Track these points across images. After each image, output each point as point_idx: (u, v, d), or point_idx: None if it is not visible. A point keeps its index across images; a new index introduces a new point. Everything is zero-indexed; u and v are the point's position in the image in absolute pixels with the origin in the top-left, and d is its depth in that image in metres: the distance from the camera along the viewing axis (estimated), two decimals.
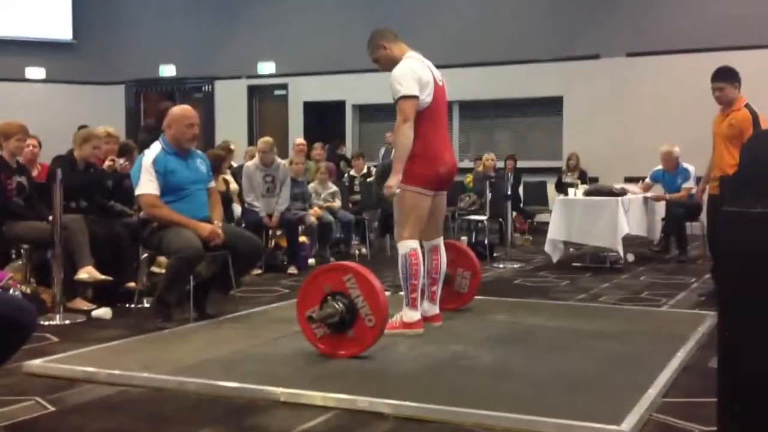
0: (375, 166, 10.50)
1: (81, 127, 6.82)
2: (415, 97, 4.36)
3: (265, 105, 15.05)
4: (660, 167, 8.89)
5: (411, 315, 4.46)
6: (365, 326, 3.89)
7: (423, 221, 4.53)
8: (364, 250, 8.88)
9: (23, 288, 5.35)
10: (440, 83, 4.58)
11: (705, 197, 6.27)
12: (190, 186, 4.99)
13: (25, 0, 14.87)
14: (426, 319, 4.55)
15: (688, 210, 8.36)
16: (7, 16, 14.65)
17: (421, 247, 4.55)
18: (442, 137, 4.63)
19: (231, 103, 14.82)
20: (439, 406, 3.09)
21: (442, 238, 4.77)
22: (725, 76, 5.76)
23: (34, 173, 6.09)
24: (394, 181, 4.37)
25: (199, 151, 5.31)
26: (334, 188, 8.84)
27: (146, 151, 5.03)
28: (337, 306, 3.89)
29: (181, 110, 5.10)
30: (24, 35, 14.72)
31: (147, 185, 4.86)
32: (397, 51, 4.58)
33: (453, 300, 5.23)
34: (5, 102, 13.16)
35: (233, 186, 7.94)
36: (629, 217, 7.64)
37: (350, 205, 9.37)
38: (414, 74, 4.39)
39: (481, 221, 9.05)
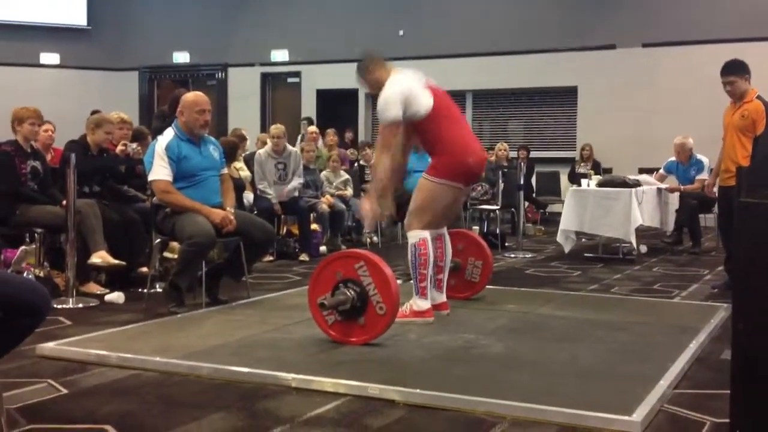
0: None
1: (94, 112, 6.85)
2: (397, 121, 4.36)
3: (278, 92, 15.06)
4: (674, 158, 8.85)
5: (421, 304, 4.45)
6: (376, 314, 3.89)
7: (439, 215, 4.54)
8: (375, 239, 8.87)
9: (36, 272, 5.38)
10: (436, 86, 4.56)
11: (716, 190, 6.24)
12: (203, 172, 5.00)
13: None
14: (434, 307, 4.55)
15: (701, 202, 8.30)
16: (22, 1, 14.69)
17: None
18: (464, 129, 4.60)
19: (244, 91, 14.83)
20: (450, 395, 3.09)
21: (445, 228, 4.77)
22: (735, 70, 5.72)
23: (48, 158, 6.11)
24: (368, 205, 4.33)
25: (212, 138, 5.31)
26: (346, 176, 8.84)
27: (159, 138, 5.04)
28: (348, 293, 3.90)
29: (193, 96, 5.10)
30: (39, 21, 14.76)
31: (160, 171, 4.87)
32: (384, 74, 4.53)
33: (464, 289, 5.23)
34: (20, 87, 13.22)
35: (245, 173, 7.95)
36: (642, 209, 7.60)
37: (362, 193, 9.36)
38: (400, 95, 4.34)
39: (493, 211, 9.04)
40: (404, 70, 4.54)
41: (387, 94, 4.38)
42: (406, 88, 4.38)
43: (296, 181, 7.73)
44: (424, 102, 4.39)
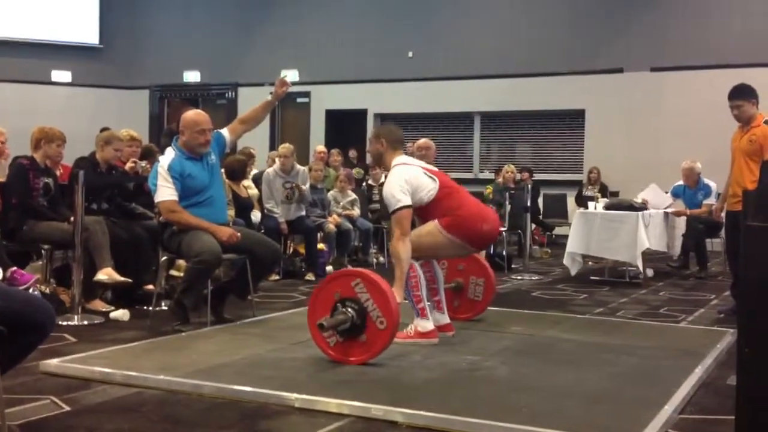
0: None
1: (103, 129, 6.89)
2: (409, 207, 4.41)
3: (287, 112, 15.12)
4: (681, 182, 8.84)
5: (424, 325, 4.45)
6: (377, 329, 3.89)
7: (430, 257, 4.59)
8: (381, 259, 8.87)
9: (43, 288, 5.39)
10: (435, 170, 4.67)
11: (723, 214, 6.23)
12: (208, 188, 5.00)
13: (53, 4, 15.06)
14: (438, 329, 4.53)
15: (708, 226, 8.29)
16: (35, 19, 14.83)
17: None
18: (474, 201, 4.68)
19: None
20: (454, 417, 3.07)
21: None
22: (743, 94, 5.73)
23: (57, 174, 6.15)
24: (399, 297, 4.22)
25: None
26: (353, 196, 8.86)
27: (161, 158, 5.04)
28: (347, 312, 3.90)
29: (193, 115, 5.04)
30: (51, 39, 14.89)
31: (165, 192, 4.86)
32: (389, 156, 4.63)
33: (469, 309, 5.22)
34: (31, 104, 13.33)
35: (253, 191, 7.97)
36: (649, 232, 7.58)
37: (369, 213, 9.38)
38: (405, 183, 4.43)
39: (500, 233, 9.03)
40: (407, 159, 4.68)
41: (393, 185, 4.47)
42: (411, 177, 4.48)
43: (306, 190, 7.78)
44: (429, 185, 4.49)
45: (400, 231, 4.37)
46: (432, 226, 4.47)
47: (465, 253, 4.76)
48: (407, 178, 4.46)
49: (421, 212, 4.54)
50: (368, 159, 13.02)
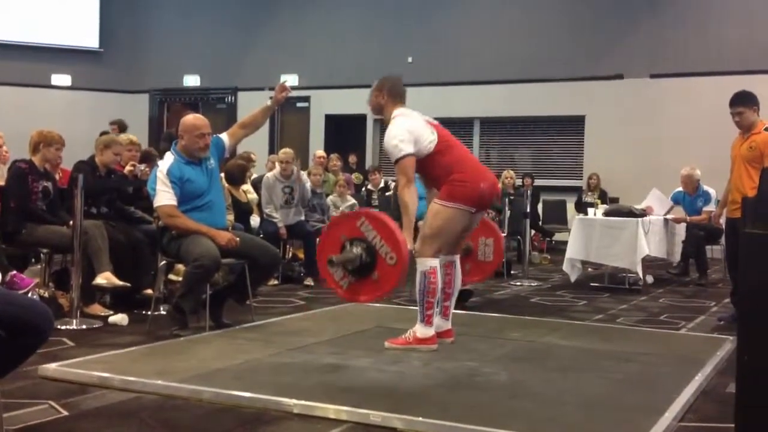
0: (393, 180, 10.50)
1: (102, 133, 6.90)
2: (412, 155, 4.39)
3: (287, 117, 15.12)
4: (681, 189, 8.84)
5: (425, 331, 4.43)
6: (387, 265, 3.92)
7: (451, 241, 4.53)
8: None
9: (41, 292, 5.38)
10: (436, 123, 4.63)
11: (723, 221, 6.23)
12: (207, 193, 4.99)
13: (53, 8, 15.06)
14: (438, 335, 4.52)
15: (708, 233, 8.29)
16: (35, 23, 14.83)
17: None
18: (471, 158, 4.66)
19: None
20: (453, 423, 3.06)
21: (458, 255, 4.75)
22: (744, 101, 5.74)
23: (56, 178, 6.14)
24: (411, 244, 4.23)
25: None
26: (352, 201, 8.85)
27: (159, 163, 5.04)
28: (355, 251, 3.91)
29: (192, 119, 5.05)
30: (51, 42, 14.90)
31: (163, 196, 4.86)
32: (389, 109, 4.60)
33: (480, 270, 5.23)
34: (31, 108, 13.32)
35: (252, 196, 7.96)
36: (649, 239, 7.58)
37: None
38: (406, 133, 4.41)
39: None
40: (407, 110, 4.60)
41: (395, 133, 4.43)
42: (413, 127, 4.45)
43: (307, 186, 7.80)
44: (429, 137, 4.46)
45: (405, 179, 4.37)
46: (435, 208, 4.43)
47: (476, 217, 4.66)
48: (408, 128, 4.43)
49: (419, 168, 4.50)
50: (367, 164, 13.06)
